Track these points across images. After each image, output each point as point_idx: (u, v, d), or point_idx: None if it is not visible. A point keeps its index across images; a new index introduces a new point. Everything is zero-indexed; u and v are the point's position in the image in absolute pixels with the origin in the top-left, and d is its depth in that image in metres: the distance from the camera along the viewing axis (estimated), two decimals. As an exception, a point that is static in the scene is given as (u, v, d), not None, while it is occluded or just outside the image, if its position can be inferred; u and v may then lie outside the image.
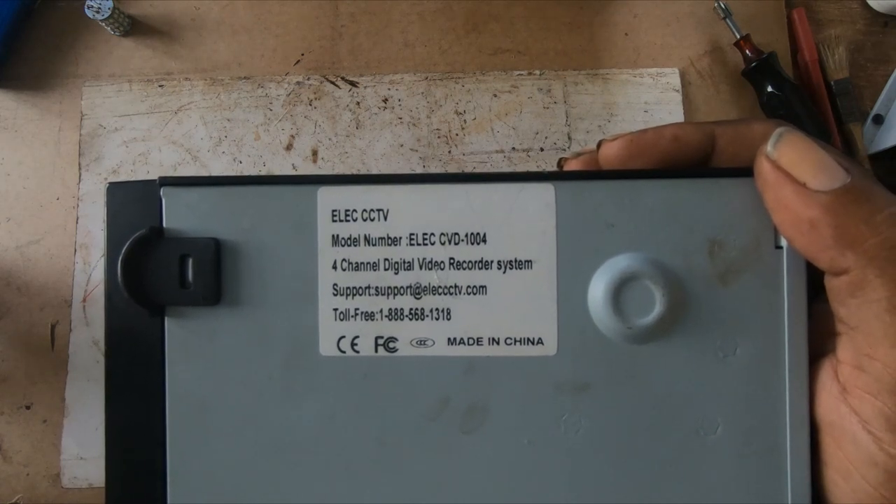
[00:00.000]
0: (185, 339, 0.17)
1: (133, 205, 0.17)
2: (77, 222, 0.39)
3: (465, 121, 0.41)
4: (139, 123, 0.40)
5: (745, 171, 0.17)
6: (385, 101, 0.41)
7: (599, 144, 0.20)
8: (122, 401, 0.17)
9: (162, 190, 0.17)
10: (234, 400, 0.17)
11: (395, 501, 0.17)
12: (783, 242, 0.17)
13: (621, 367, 0.17)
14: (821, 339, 0.17)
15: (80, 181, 0.40)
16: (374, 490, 0.17)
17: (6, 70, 0.41)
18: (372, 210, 0.17)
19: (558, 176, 0.17)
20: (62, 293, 0.39)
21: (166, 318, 0.17)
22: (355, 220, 0.17)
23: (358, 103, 0.41)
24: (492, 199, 0.17)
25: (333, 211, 0.17)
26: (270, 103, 0.41)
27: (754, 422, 0.17)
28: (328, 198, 0.17)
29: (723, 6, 0.41)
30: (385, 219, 0.17)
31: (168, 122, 0.41)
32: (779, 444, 0.17)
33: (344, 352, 0.17)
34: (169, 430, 0.17)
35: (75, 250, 0.39)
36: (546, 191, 0.17)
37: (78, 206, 0.40)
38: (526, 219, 0.17)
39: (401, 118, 0.41)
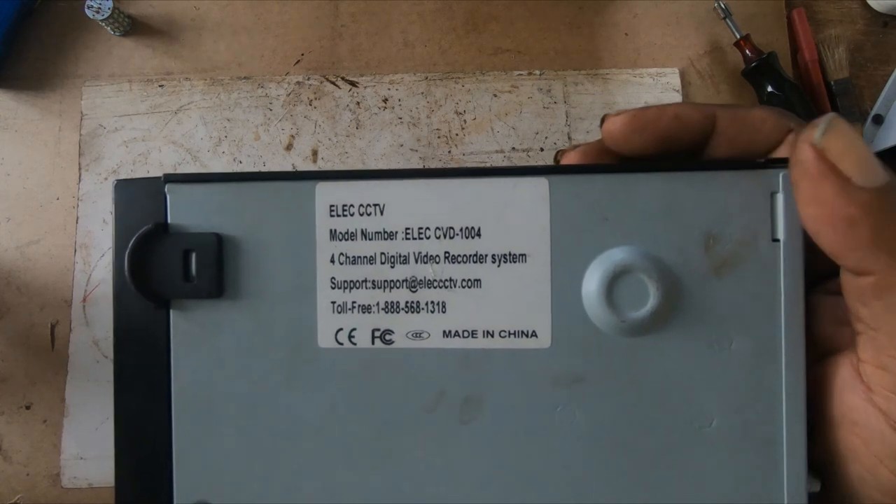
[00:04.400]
0: (189, 331, 0.18)
1: (139, 201, 0.18)
2: (77, 222, 0.39)
3: (465, 121, 0.41)
4: (139, 123, 0.40)
5: (742, 164, 0.17)
6: (385, 101, 0.41)
7: (603, 120, 0.19)
8: (130, 393, 0.18)
9: (167, 186, 0.18)
10: (237, 391, 0.17)
11: (395, 490, 0.17)
12: (780, 235, 0.17)
13: (615, 359, 0.17)
14: (833, 333, 0.17)
15: (80, 181, 0.40)
16: (374, 479, 0.17)
17: (6, 70, 0.41)
18: (369, 205, 0.17)
19: (552, 170, 0.17)
20: (62, 293, 0.39)
21: (171, 312, 0.18)
22: (352, 215, 0.17)
23: (358, 103, 0.41)
24: (486, 194, 0.17)
25: (331, 206, 0.17)
26: (270, 103, 0.41)
27: (750, 414, 0.17)
28: (326, 193, 0.17)
29: (723, 6, 0.41)
30: (381, 213, 0.17)
31: (168, 122, 0.41)
32: (775, 436, 0.17)
33: (342, 344, 0.17)
34: (174, 421, 0.18)
35: (75, 250, 0.39)
36: (540, 185, 0.17)
37: (78, 206, 0.40)
38: (520, 213, 0.17)
39: (401, 118, 0.41)
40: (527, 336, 0.17)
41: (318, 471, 0.17)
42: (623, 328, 0.17)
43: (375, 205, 0.17)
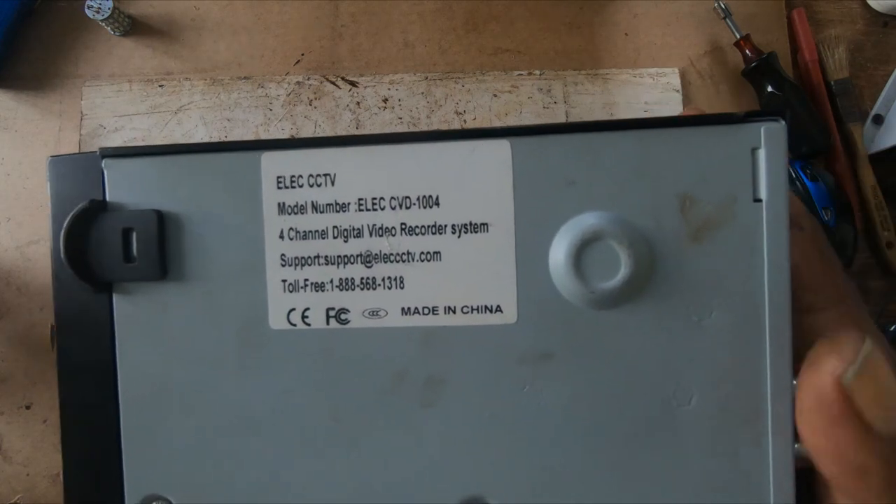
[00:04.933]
0: (133, 315, 0.17)
1: (76, 179, 0.17)
2: (77, 222, 0.39)
3: (465, 121, 0.41)
4: (139, 123, 0.40)
5: (720, 119, 0.15)
6: (385, 101, 0.41)
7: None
8: (76, 383, 0.17)
9: (103, 161, 0.17)
10: (187, 378, 0.17)
11: (354, 477, 0.16)
12: (762, 194, 0.15)
13: (586, 334, 0.16)
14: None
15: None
16: (333, 466, 0.16)
17: (6, 70, 0.41)
18: (318, 175, 0.16)
19: (514, 131, 0.16)
20: (62, 293, 0.39)
21: (114, 295, 0.17)
22: (301, 187, 0.16)
23: (358, 103, 0.41)
24: (443, 160, 0.16)
25: (278, 177, 0.16)
26: (270, 103, 0.41)
27: (732, 390, 0.16)
28: (272, 164, 0.16)
29: (723, 6, 0.41)
30: (332, 184, 0.16)
31: (168, 122, 0.41)
32: (759, 413, 0.15)
33: (294, 325, 0.16)
34: (122, 411, 0.17)
35: (75, 250, 0.39)
36: (501, 148, 0.16)
37: (78, 206, 0.40)
38: (481, 179, 0.16)
39: (401, 118, 0.41)
40: (491, 311, 0.16)
41: (273, 458, 0.17)
42: (594, 300, 0.16)
43: (326, 174, 0.16)
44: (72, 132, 0.40)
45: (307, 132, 0.41)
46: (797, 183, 0.38)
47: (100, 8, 0.39)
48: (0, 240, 0.40)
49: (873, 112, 0.42)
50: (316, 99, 0.41)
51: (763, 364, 0.15)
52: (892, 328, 0.40)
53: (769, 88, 0.40)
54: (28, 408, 0.38)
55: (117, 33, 0.41)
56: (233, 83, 0.41)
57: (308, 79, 0.41)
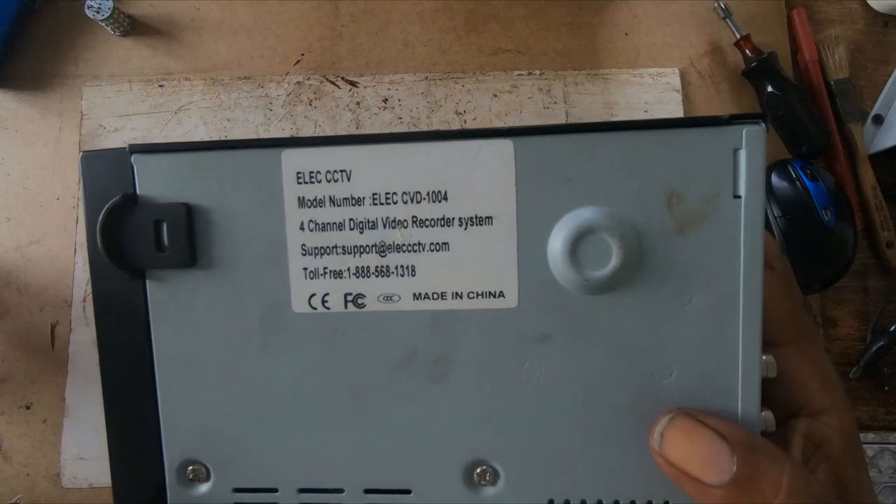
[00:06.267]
0: (166, 300, 0.18)
1: (107, 173, 0.18)
2: (77, 222, 0.39)
3: (465, 121, 0.41)
4: (139, 123, 0.40)
5: (705, 121, 0.17)
6: (385, 101, 0.41)
7: None
8: (114, 362, 0.18)
9: (133, 157, 0.18)
10: (218, 357, 0.18)
11: (371, 444, 0.18)
12: (742, 191, 0.17)
13: (580, 317, 0.17)
14: None
15: (80, 181, 0.40)
16: (349, 436, 0.18)
17: (6, 70, 0.41)
18: (335, 171, 0.18)
19: (517, 132, 0.17)
20: (62, 293, 0.39)
21: (147, 281, 0.18)
22: (319, 182, 0.18)
23: (358, 103, 0.41)
24: (452, 157, 0.17)
25: (298, 173, 0.18)
26: (270, 103, 0.41)
27: (708, 367, 0.17)
28: (292, 160, 0.18)
29: (723, 6, 0.41)
30: (348, 179, 0.18)
31: (168, 122, 0.41)
32: (731, 387, 0.17)
33: (315, 308, 0.18)
34: (159, 387, 0.18)
35: (75, 250, 0.39)
36: (505, 147, 0.17)
37: (78, 205, 0.40)
38: (486, 175, 0.17)
39: (401, 118, 0.41)
40: (494, 296, 0.18)
41: (296, 430, 0.18)
42: (587, 286, 0.17)
43: (342, 171, 0.18)
44: (72, 132, 0.40)
45: (307, 132, 0.41)
46: (797, 183, 0.38)
47: (100, 8, 0.39)
48: (0, 240, 0.40)
49: (873, 112, 0.42)
50: (316, 99, 0.41)
51: (736, 344, 0.17)
52: (893, 328, 0.40)
53: (769, 88, 0.40)
54: (28, 408, 0.38)
55: (117, 33, 0.41)
56: (233, 83, 0.41)
57: (308, 79, 0.41)
